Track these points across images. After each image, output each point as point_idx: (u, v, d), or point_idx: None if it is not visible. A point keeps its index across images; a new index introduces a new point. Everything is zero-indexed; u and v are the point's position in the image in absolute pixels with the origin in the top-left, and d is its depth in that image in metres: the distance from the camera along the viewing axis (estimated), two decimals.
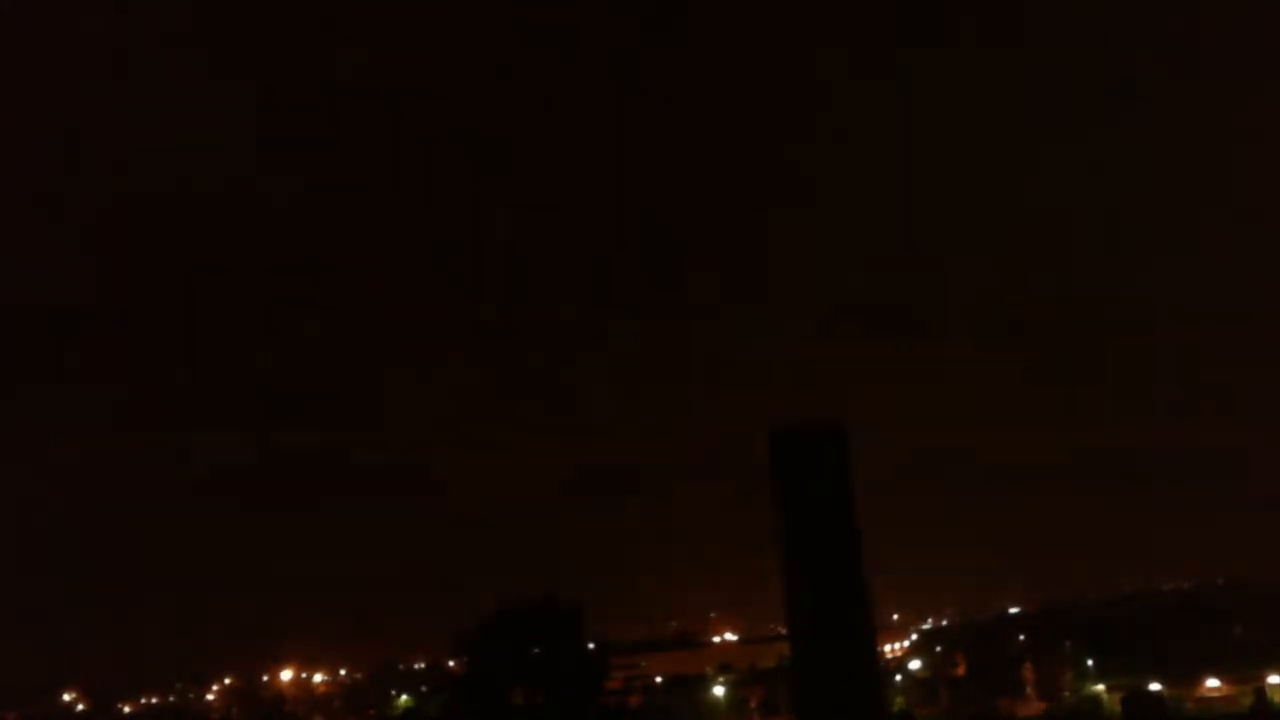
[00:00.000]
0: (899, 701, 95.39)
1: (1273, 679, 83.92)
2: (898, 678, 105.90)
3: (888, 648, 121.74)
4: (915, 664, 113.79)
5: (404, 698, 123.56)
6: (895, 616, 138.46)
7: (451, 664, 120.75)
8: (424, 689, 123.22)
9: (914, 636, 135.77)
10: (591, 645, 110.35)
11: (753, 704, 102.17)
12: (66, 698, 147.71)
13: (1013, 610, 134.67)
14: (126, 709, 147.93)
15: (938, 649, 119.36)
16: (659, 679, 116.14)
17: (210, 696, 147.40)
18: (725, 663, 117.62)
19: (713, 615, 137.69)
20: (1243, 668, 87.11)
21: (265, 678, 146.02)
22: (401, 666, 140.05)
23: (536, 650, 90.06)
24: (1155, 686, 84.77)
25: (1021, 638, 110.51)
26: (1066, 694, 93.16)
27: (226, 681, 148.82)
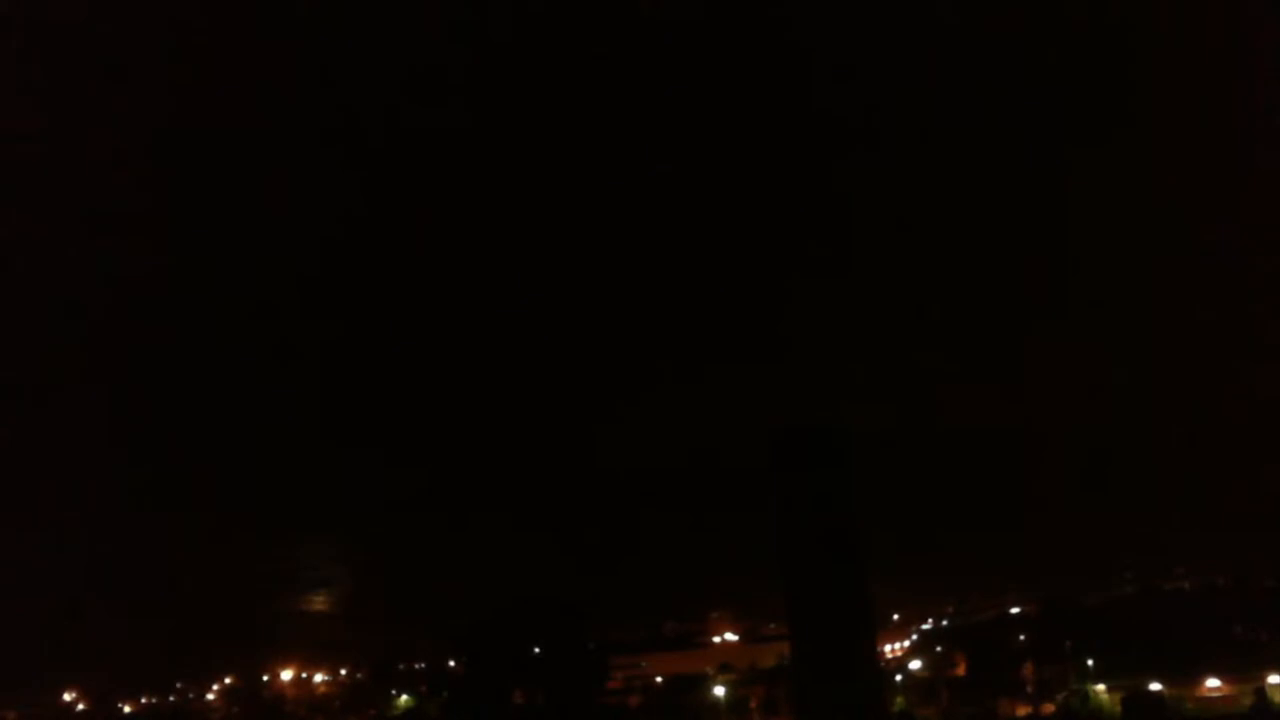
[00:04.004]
0: (899, 701, 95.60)
1: (1273, 679, 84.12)
2: (898, 678, 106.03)
3: (888, 648, 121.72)
4: (915, 664, 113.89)
5: (404, 698, 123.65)
6: (895, 616, 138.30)
7: (451, 664, 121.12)
8: (424, 689, 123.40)
9: (914, 636, 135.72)
10: (591, 645, 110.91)
11: (753, 704, 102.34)
12: (67, 697, 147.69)
13: (1013, 610, 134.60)
14: (127, 709, 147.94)
15: (938, 649, 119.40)
16: (659, 679, 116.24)
17: (210, 696, 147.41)
18: (725, 663, 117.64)
19: (713, 615, 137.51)
20: (1243, 668, 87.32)
21: (265, 678, 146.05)
22: (402, 666, 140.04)
23: (536, 650, 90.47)
24: (1155, 686, 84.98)
25: (1021, 638, 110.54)
26: (1066, 694, 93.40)
27: (226, 681, 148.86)
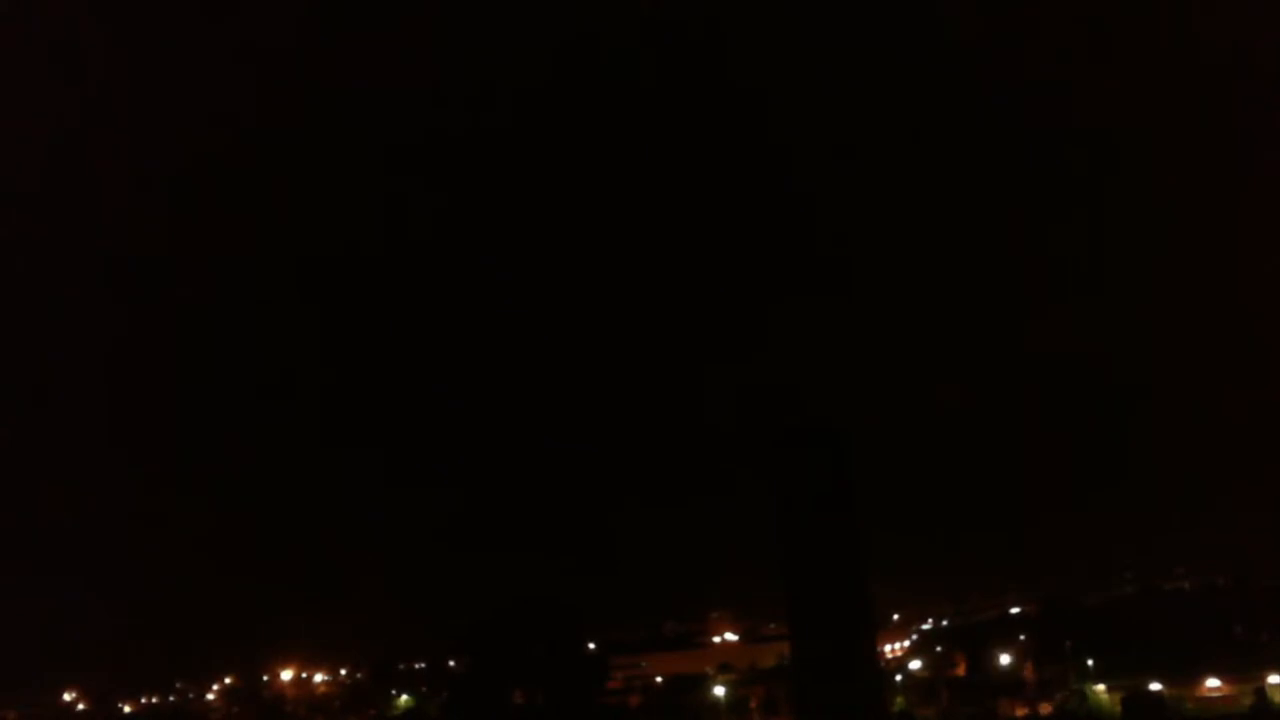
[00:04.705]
0: (899, 701, 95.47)
1: (1273, 679, 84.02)
2: (898, 678, 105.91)
3: (888, 648, 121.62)
4: (915, 664, 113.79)
5: (404, 698, 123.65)
6: (895, 616, 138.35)
7: (451, 664, 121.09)
8: (424, 689, 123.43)
9: (914, 636, 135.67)
10: (592, 645, 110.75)
11: (753, 704, 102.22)
12: (67, 697, 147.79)
13: (1013, 610, 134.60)
14: (127, 709, 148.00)
15: (938, 649, 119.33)
16: (659, 679, 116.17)
17: (210, 696, 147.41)
18: (725, 663, 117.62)
19: (713, 615, 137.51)
20: (1243, 668, 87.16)
21: (265, 678, 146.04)
22: (402, 666, 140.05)
23: (536, 650, 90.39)
24: (1155, 686, 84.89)
25: (1022, 638, 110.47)
26: (1066, 694, 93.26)
27: (226, 681, 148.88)
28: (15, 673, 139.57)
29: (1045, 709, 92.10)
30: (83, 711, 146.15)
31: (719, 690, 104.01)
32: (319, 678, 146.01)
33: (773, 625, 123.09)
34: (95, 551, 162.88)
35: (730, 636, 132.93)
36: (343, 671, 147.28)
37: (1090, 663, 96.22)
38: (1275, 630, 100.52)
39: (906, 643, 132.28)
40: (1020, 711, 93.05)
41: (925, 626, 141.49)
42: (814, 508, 67.18)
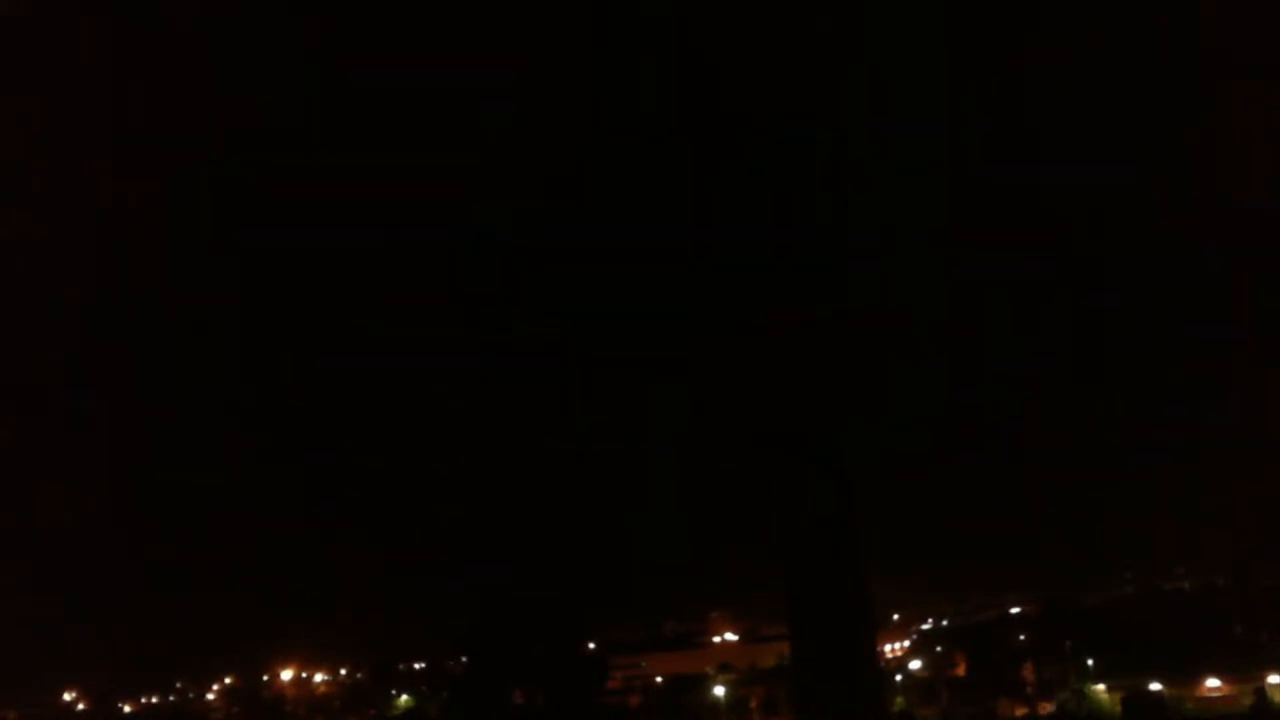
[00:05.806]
0: (899, 701, 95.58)
1: (1273, 679, 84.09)
2: (898, 678, 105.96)
3: (888, 648, 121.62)
4: (915, 664, 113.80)
5: (404, 698, 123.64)
6: (895, 616, 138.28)
7: (451, 664, 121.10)
8: (424, 689, 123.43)
9: (914, 636, 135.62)
10: (592, 645, 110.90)
11: (753, 704, 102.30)
12: (66, 697, 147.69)
13: (1013, 610, 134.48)
14: (127, 709, 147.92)
15: (938, 649, 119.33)
16: (659, 679, 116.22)
17: (210, 696, 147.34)
18: (725, 663, 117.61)
19: (713, 615, 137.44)
20: (1243, 668, 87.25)
21: (265, 678, 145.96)
22: (401, 666, 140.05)
23: (536, 650, 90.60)
24: (1155, 686, 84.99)
25: (1022, 638, 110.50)
26: (1066, 694, 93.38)
27: (226, 681, 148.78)
28: (15, 673, 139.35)
29: (1045, 709, 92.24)
30: (83, 711, 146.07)
31: (719, 690, 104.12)
32: (319, 678, 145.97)
33: (773, 625, 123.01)
34: (96, 552, 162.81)
35: (730, 636, 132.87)
36: (343, 671, 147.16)
37: (1090, 663, 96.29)
38: (1275, 630, 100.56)
39: (906, 643, 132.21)
40: (1020, 711, 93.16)
41: (925, 626, 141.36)
42: (814, 508, 67.16)
